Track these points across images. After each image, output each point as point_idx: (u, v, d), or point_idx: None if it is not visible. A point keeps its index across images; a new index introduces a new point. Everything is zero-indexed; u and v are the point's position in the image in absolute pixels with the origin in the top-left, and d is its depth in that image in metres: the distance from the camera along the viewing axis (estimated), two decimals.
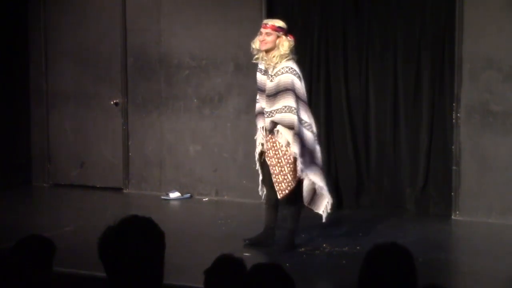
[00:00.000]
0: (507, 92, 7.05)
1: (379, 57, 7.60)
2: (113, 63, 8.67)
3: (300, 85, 5.87)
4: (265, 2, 7.90)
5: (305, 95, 5.96)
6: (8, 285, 3.01)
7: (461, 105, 7.20)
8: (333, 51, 7.74)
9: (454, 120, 7.26)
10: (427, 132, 7.44)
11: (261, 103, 6.04)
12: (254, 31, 8.05)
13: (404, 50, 7.49)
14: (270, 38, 5.91)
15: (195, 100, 8.34)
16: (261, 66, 6.04)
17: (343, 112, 7.71)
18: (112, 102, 8.69)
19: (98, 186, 8.81)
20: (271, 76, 5.90)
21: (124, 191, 8.69)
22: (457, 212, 7.27)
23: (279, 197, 5.94)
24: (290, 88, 5.82)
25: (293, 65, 5.89)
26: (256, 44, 6.01)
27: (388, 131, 7.62)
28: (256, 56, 6.05)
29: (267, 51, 5.93)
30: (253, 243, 6.16)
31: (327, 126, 7.76)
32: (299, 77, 5.88)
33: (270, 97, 5.90)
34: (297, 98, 5.84)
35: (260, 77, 6.04)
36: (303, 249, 6.08)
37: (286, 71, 5.85)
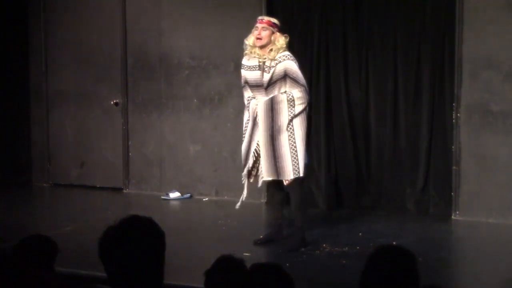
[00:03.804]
0: (507, 92, 7.05)
1: (379, 57, 7.60)
2: (113, 63, 8.68)
3: (298, 70, 5.98)
4: (265, 2, 7.91)
5: (304, 79, 6.03)
6: (9, 285, 3.01)
7: (461, 105, 7.20)
8: (333, 51, 7.74)
9: (454, 120, 7.26)
10: (427, 132, 7.43)
11: (258, 97, 6.04)
12: None
13: (404, 50, 7.48)
14: (265, 33, 6.00)
15: (195, 100, 8.35)
16: (250, 63, 6.08)
17: (343, 112, 7.71)
18: (112, 102, 8.69)
19: (98, 186, 8.81)
20: (269, 67, 5.95)
21: (124, 191, 8.69)
22: (457, 212, 7.27)
23: (285, 183, 6.00)
24: (290, 74, 5.93)
25: (289, 53, 6.01)
26: (250, 40, 6.08)
27: (388, 131, 7.62)
28: (246, 52, 6.10)
29: (262, 47, 5.98)
30: (263, 242, 6.22)
31: (327, 126, 7.76)
32: (296, 62, 6.01)
33: (270, 86, 5.96)
34: (297, 83, 5.95)
35: (252, 74, 6.06)
36: (303, 249, 6.08)
37: (287, 58, 5.96)
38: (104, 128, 8.78)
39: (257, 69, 6.04)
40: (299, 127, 5.94)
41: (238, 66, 8.06)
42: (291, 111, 5.92)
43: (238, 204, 6.29)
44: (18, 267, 3.07)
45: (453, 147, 7.28)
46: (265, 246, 6.19)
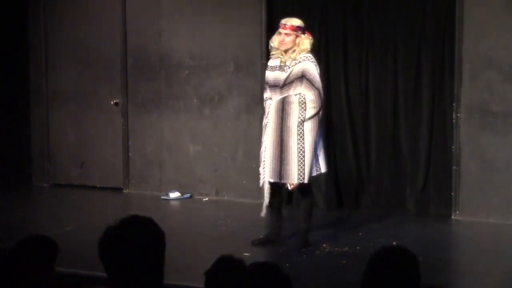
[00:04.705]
0: (507, 92, 7.05)
1: (379, 57, 7.60)
2: (113, 63, 8.68)
3: (316, 73, 5.95)
4: (265, 2, 7.90)
5: (320, 83, 5.99)
6: (9, 285, 3.02)
7: (461, 105, 7.20)
8: (333, 51, 7.74)
9: (454, 120, 7.26)
10: (427, 132, 7.44)
11: (274, 97, 6.03)
12: (254, 31, 8.06)
13: (404, 50, 7.49)
14: (289, 39, 5.97)
15: (195, 100, 8.34)
16: (273, 63, 6.08)
17: (343, 112, 7.71)
18: (112, 102, 8.69)
19: (98, 186, 8.81)
20: (288, 67, 5.95)
21: (124, 191, 8.69)
22: (457, 212, 7.27)
23: (289, 188, 6.02)
24: (307, 75, 5.91)
25: (310, 55, 6.00)
26: (274, 42, 6.06)
27: (388, 131, 7.62)
28: (273, 53, 6.09)
29: (286, 50, 5.98)
30: (262, 242, 6.22)
31: (327, 126, 7.75)
32: (316, 65, 5.99)
33: (286, 85, 5.95)
34: (312, 85, 5.92)
35: (273, 74, 6.05)
36: (303, 249, 6.08)
37: (307, 59, 5.95)
38: (104, 128, 8.78)
39: (277, 69, 6.04)
40: (309, 133, 5.89)
41: (238, 66, 8.10)
42: (302, 114, 5.88)
43: (263, 211, 6.27)
44: (18, 267, 3.07)
45: (453, 147, 7.28)
46: (265, 246, 6.19)
